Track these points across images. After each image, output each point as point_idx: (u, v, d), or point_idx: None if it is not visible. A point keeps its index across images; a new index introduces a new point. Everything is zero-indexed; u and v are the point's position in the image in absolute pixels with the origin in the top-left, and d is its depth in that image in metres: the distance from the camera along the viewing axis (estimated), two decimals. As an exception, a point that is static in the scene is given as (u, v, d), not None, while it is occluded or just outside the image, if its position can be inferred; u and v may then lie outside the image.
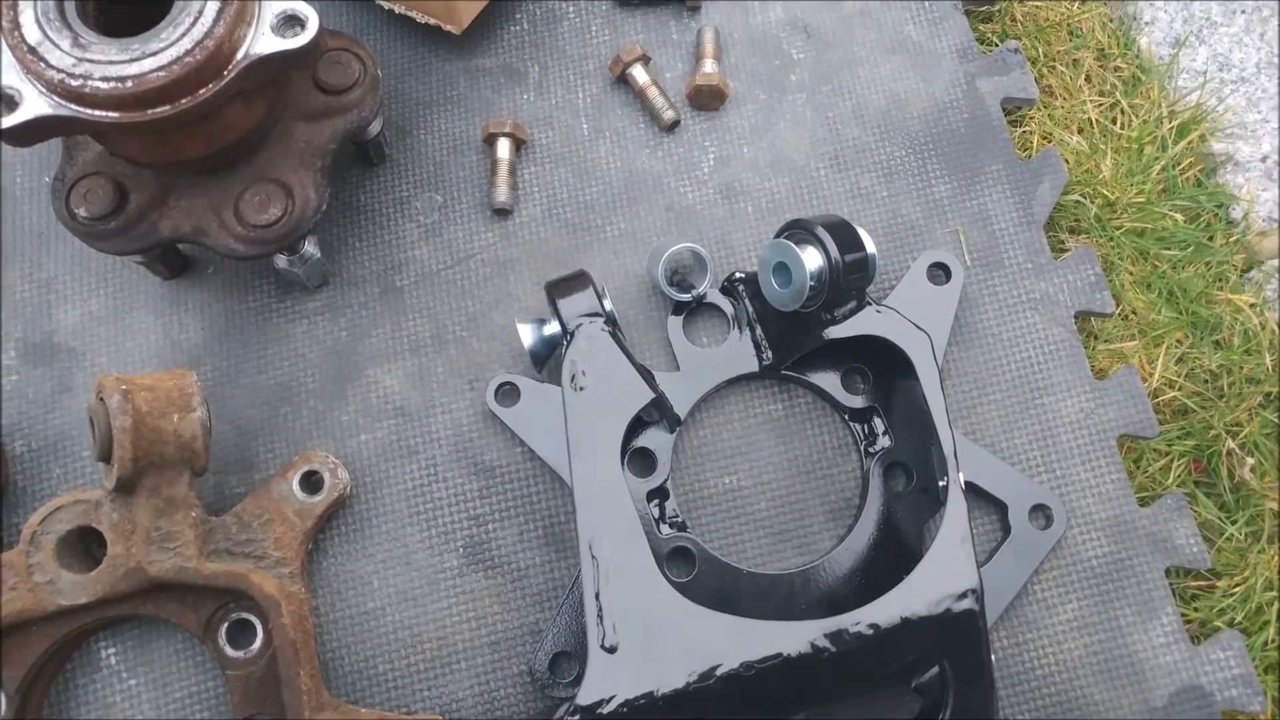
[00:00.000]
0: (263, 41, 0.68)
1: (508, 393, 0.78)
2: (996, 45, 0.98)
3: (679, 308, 0.83)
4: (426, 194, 0.88)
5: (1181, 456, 0.83)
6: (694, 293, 0.81)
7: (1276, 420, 0.84)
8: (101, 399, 0.67)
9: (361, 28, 0.93)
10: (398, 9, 0.88)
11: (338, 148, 0.79)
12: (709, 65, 0.91)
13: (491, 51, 0.94)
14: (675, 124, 0.91)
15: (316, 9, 0.69)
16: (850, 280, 0.76)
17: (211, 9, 0.67)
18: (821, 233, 0.75)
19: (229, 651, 0.71)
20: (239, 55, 0.68)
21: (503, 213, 0.88)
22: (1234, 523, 0.81)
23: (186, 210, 0.75)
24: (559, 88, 0.92)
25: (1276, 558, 0.79)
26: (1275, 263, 0.91)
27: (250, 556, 0.71)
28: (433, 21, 0.87)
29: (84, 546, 0.71)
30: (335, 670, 0.74)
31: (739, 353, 0.81)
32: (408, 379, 0.82)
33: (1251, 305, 0.88)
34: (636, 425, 0.74)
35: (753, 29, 0.95)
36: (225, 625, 0.71)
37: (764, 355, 0.80)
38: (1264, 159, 0.96)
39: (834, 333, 0.76)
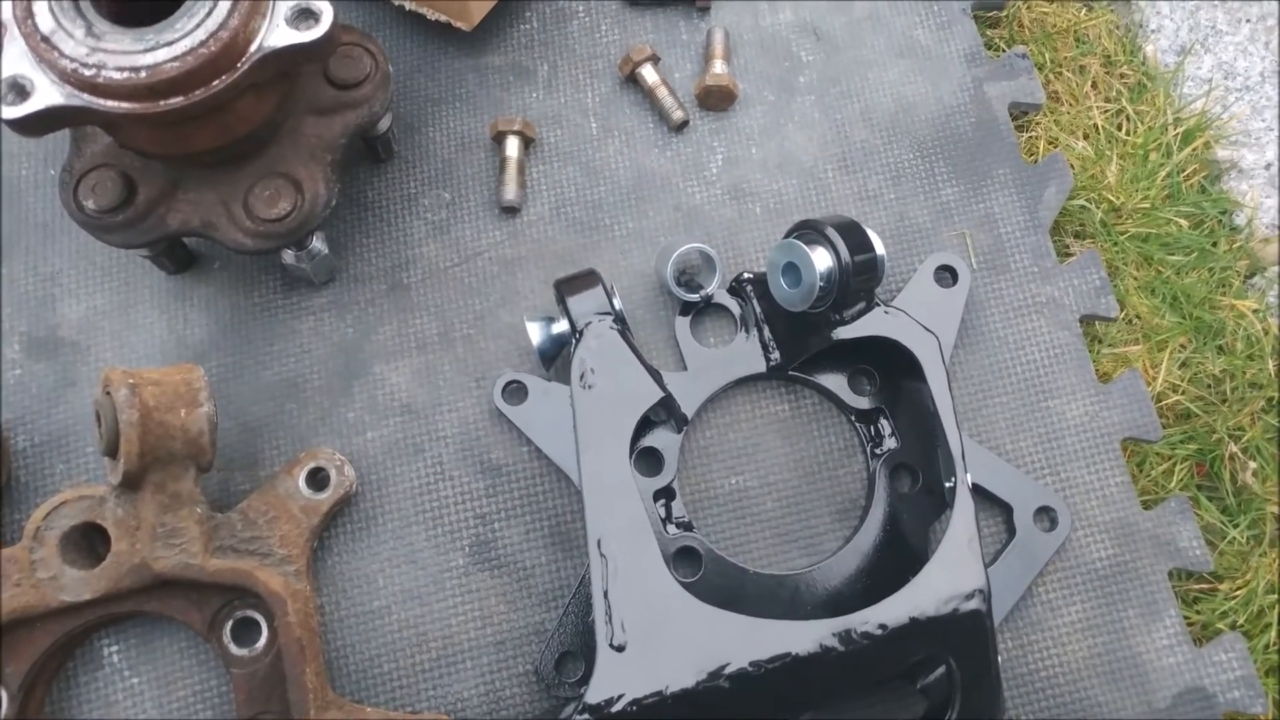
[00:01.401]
0: (277, 34, 0.68)
1: (515, 391, 0.78)
2: (1004, 50, 0.99)
3: (687, 308, 0.83)
4: (434, 191, 0.88)
5: (1184, 460, 0.84)
6: (702, 293, 0.81)
7: (1278, 425, 0.84)
8: (108, 393, 0.66)
9: (372, 23, 0.93)
10: (409, 5, 0.88)
11: (347, 143, 0.79)
12: (718, 66, 0.91)
13: (501, 49, 0.93)
14: (684, 124, 0.91)
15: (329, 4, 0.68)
16: (859, 281, 0.77)
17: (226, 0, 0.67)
18: (831, 233, 0.76)
19: (233, 649, 0.70)
20: (253, 48, 0.67)
21: (511, 211, 0.88)
22: (1236, 526, 0.82)
23: (195, 204, 0.75)
24: (568, 86, 0.92)
25: (1277, 561, 0.80)
26: (1278, 269, 0.92)
27: (255, 554, 0.71)
28: (443, 18, 0.87)
29: (88, 543, 0.70)
30: (340, 669, 0.74)
31: (746, 353, 0.81)
32: (414, 377, 0.82)
33: (1255, 311, 0.89)
34: (644, 424, 0.74)
35: (762, 30, 0.95)
36: (230, 623, 0.71)
37: (771, 356, 0.80)
38: (1268, 166, 0.97)
39: (842, 334, 0.77)
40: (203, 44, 0.65)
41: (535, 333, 0.76)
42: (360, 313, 0.84)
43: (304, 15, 0.69)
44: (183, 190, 0.75)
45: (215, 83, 0.66)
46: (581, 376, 0.72)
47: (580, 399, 0.71)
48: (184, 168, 0.75)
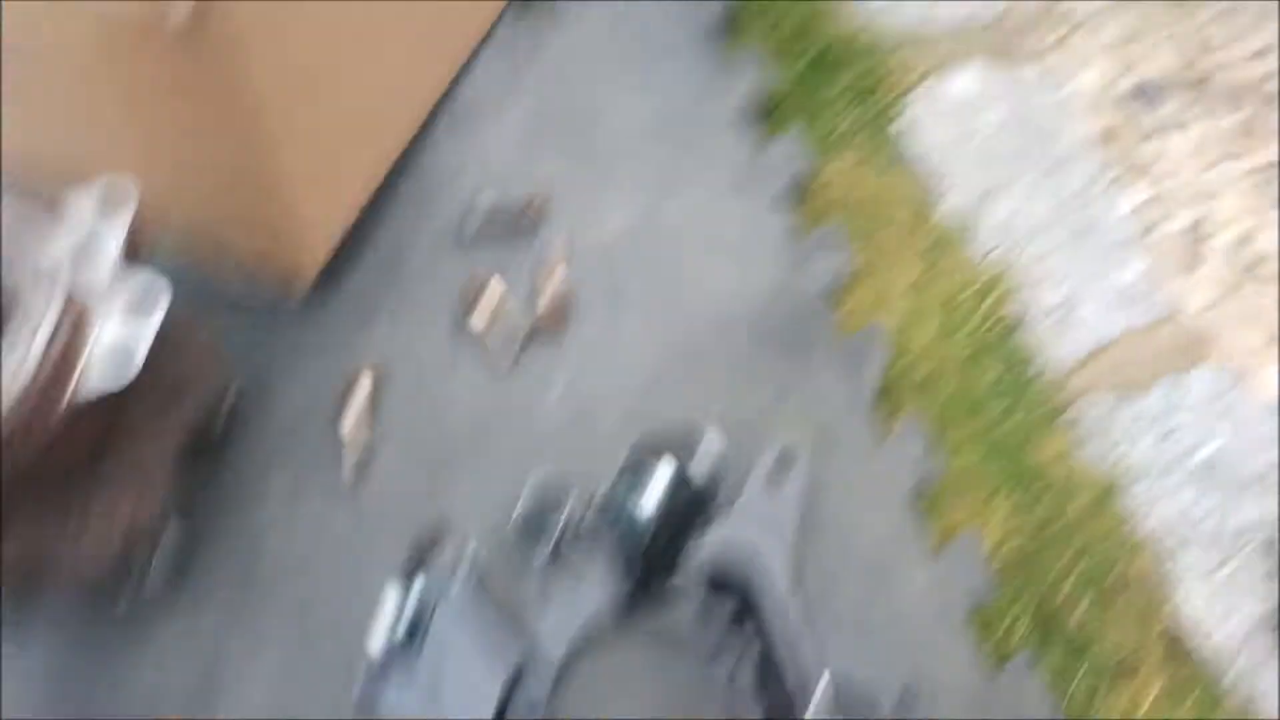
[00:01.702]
0: (91, 375, 0.69)
1: (380, 674, 0.75)
2: (815, 228, 1.07)
3: (542, 545, 0.85)
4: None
5: (1025, 611, 0.89)
6: (553, 530, 0.84)
7: (1099, 561, 0.92)
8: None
9: (202, 303, 0.87)
10: (237, 281, 0.90)
11: (185, 441, 0.80)
12: (552, 288, 0.97)
13: (339, 299, 0.96)
14: (524, 350, 0.95)
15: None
16: (700, 492, 0.81)
17: (36, 350, 0.68)
18: (668, 448, 0.80)
19: None
20: (68, 395, 0.68)
21: (362, 465, 0.89)
22: (1080, 668, 0.87)
23: (26, 538, 0.74)
24: (410, 327, 0.96)
25: (1122, 700, 0.85)
26: (1079, 407, 1.01)
27: None
28: (278, 281, 0.89)
29: None
30: None
31: (602, 583, 0.82)
32: (272, 684, 0.79)
33: (1064, 452, 0.97)
34: (512, 683, 0.75)
35: (592, 243, 1.01)
36: None
37: (627, 582, 0.82)
38: (1059, 306, 1.07)
39: (693, 552, 0.80)
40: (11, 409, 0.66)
41: (390, 607, 0.76)
42: (213, 622, 0.81)
43: (120, 353, 0.70)
44: (12, 522, 0.74)
45: (30, 437, 0.67)
46: (437, 649, 0.72)
47: (438, 675, 0.71)
48: (12, 494, 0.74)
